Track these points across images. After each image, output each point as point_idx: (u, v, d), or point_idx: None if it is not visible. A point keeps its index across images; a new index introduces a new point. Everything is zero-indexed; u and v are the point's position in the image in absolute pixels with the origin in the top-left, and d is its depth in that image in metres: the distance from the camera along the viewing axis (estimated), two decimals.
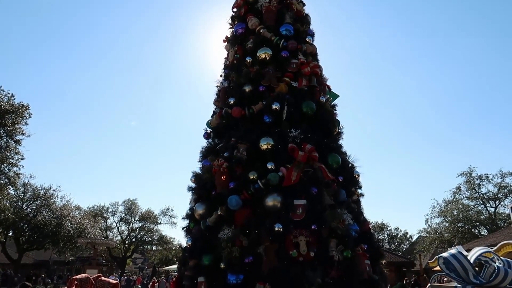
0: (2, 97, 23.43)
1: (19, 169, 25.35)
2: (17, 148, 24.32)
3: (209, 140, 7.69)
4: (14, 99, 23.89)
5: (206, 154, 7.39)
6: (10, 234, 34.34)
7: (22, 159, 24.91)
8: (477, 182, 38.60)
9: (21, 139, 24.38)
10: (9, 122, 23.39)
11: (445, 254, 5.54)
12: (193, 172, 7.41)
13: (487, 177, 38.26)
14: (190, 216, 7.10)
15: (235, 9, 8.47)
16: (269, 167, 6.21)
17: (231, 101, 7.19)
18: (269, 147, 6.40)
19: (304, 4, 8.42)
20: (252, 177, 6.20)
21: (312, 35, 7.98)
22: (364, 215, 7.09)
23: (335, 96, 8.30)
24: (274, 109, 6.69)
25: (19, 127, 24.10)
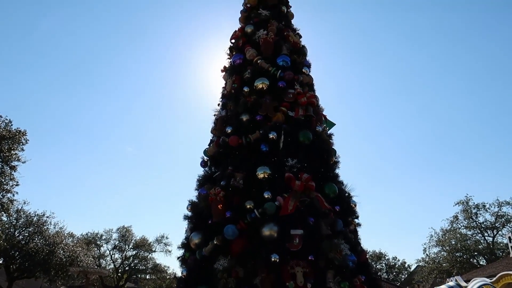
0: (0, 123, 23.49)
1: (13, 195, 25.13)
2: (12, 174, 24.18)
3: (206, 169, 7.71)
4: (12, 125, 23.95)
5: (203, 183, 7.39)
6: (1, 262, 33.60)
7: (17, 185, 24.74)
8: (474, 211, 38.49)
9: (16, 165, 24.28)
10: (5, 148, 23.35)
11: (443, 287, 5.50)
12: (189, 201, 7.39)
13: (484, 206, 38.19)
14: (185, 245, 7.02)
15: (233, 40, 8.68)
16: (266, 196, 6.21)
17: (229, 130, 7.25)
18: (266, 176, 6.42)
19: (300, 36, 8.65)
20: (248, 206, 6.19)
21: (308, 66, 8.16)
22: (362, 245, 7.04)
23: (331, 125, 8.40)
24: (271, 138, 6.76)
25: (15, 153, 24.05)
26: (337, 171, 7.40)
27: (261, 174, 6.44)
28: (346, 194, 7.15)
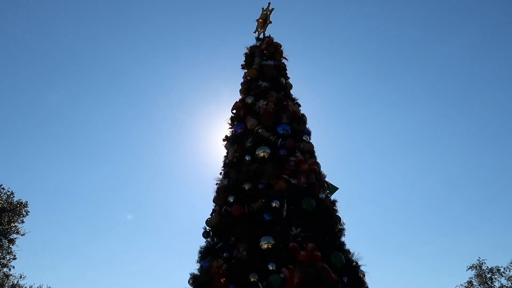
0: (2, 195, 23.41)
1: (10, 269, 24.25)
2: (10, 248, 23.57)
3: (208, 239, 7.53)
4: (13, 197, 23.83)
5: (205, 254, 7.17)
6: None
7: (14, 259, 23.98)
8: (488, 275, 36.75)
9: (15, 238, 23.75)
10: (5, 220, 23.03)
11: None
12: (190, 274, 7.13)
13: (498, 270, 36.44)
14: None
15: (234, 111, 8.94)
16: (270, 268, 6.00)
17: (231, 199, 7.21)
18: (270, 246, 6.26)
19: (299, 105, 8.92)
20: (252, 280, 5.95)
21: (308, 133, 8.31)
22: None
23: (334, 189, 8.33)
24: (274, 206, 6.69)
25: (15, 225, 23.65)
26: (343, 239, 7.21)
27: (265, 244, 6.28)
28: (354, 264, 6.89)
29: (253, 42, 10.19)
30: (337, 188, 8.43)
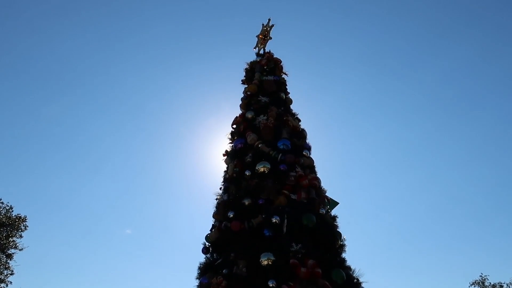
0: (0, 209, 23.30)
1: (7, 285, 23.98)
2: (8, 263, 23.34)
3: (208, 255, 7.46)
4: (12, 211, 23.70)
5: (205, 271, 7.10)
6: None
7: (12, 274, 23.73)
8: None
9: (13, 253, 23.55)
10: (3, 235, 22.86)
11: None
12: None
13: (501, 286, 36.09)
14: None
15: (234, 126, 8.95)
16: (271, 285, 5.93)
17: (231, 214, 7.16)
18: (270, 262, 6.19)
19: (299, 120, 8.94)
20: None
21: (308, 148, 8.30)
22: None
23: (335, 204, 8.28)
24: (274, 222, 6.65)
25: (13, 240, 23.46)
26: (343, 255, 7.14)
27: (265, 260, 6.21)
28: (355, 280, 6.81)
29: (253, 57, 10.28)
30: (338, 203, 8.39)
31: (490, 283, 37.23)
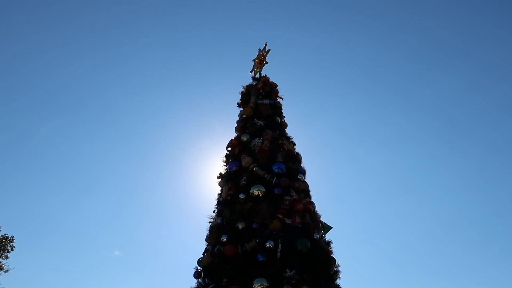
0: None
1: None
2: None
3: (199, 280, 7.30)
4: (0, 231, 23.18)
5: None
6: None
7: None
8: None
9: None
10: None
11: None
12: None
13: None
14: None
15: (229, 148, 8.94)
16: None
17: (224, 238, 7.06)
18: None
19: (294, 144, 8.96)
20: None
21: (303, 172, 8.29)
22: None
23: (329, 228, 8.20)
24: (268, 247, 6.56)
25: None
26: (338, 281, 7.03)
27: (258, 286, 6.11)
28: None
29: (247, 79, 10.41)
30: (331, 227, 8.32)
31: None
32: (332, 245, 7.56)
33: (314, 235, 7.17)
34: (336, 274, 7.15)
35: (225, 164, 8.77)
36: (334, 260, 7.22)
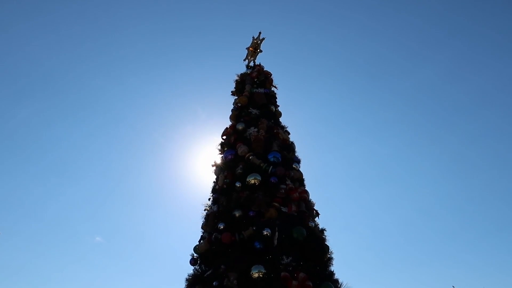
0: None
1: None
2: None
3: (196, 267, 7.39)
4: None
5: (193, 283, 7.03)
6: None
7: None
8: None
9: None
10: None
11: None
12: None
13: None
14: None
15: (224, 137, 8.98)
16: None
17: (221, 226, 7.15)
18: (261, 275, 6.21)
19: (289, 133, 9.05)
20: None
21: (298, 161, 8.41)
22: None
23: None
24: (265, 235, 6.67)
25: None
26: (331, 268, 7.22)
27: (256, 273, 6.22)
28: None
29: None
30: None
31: None
32: (326, 233, 7.75)
33: (309, 223, 7.32)
34: (329, 261, 7.34)
35: (220, 152, 8.82)
36: (328, 247, 7.41)
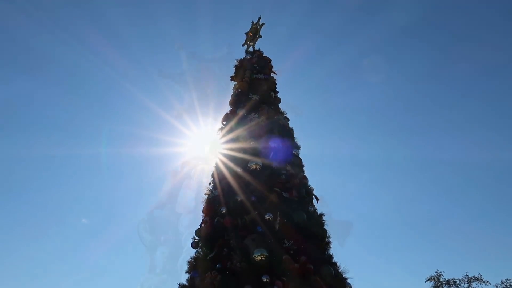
0: None
1: None
2: None
3: (198, 249, 7.51)
4: None
5: (195, 265, 7.16)
6: None
7: None
8: (445, 287, 38.37)
9: None
10: None
11: None
12: (180, 284, 7.09)
13: (454, 282, 37.95)
14: None
15: (224, 122, 9.01)
16: (264, 280, 6.08)
17: (223, 210, 7.25)
18: (263, 258, 6.35)
19: (288, 119, 9.12)
20: None
21: (298, 148, 8.51)
22: None
23: None
24: (267, 219, 6.81)
25: None
26: (330, 251, 7.41)
27: (258, 256, 6.36)
28: (341, 276, 7.10)
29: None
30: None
31: (445, 278, 39.21)
32: (324, 218, 7.92)
33: (309, 208, 7.48)
34: (328, 244, 7.53)
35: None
36: (326, 231, 7.59)
